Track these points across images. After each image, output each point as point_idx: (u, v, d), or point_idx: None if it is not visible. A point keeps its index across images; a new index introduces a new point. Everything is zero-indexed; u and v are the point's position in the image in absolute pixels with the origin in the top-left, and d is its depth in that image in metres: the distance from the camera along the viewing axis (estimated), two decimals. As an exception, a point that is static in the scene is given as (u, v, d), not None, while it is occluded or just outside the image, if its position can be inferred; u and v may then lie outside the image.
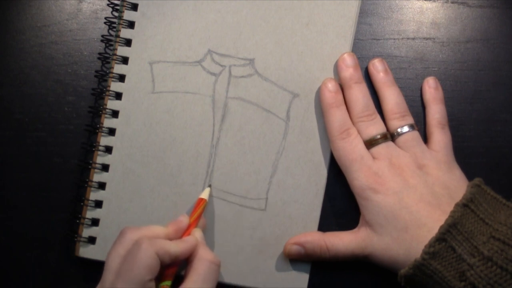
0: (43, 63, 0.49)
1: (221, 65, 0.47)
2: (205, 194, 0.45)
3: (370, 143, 0.44)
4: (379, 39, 0.49)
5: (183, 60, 0.47)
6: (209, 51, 0.47)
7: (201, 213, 0.43)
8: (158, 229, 0.41)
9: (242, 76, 0.47)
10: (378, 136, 0.44)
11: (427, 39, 0.49)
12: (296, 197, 0.46)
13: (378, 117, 0.45)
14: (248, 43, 0.47)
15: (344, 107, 0.45)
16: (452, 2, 0.49)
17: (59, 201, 0.48)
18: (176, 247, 0.39)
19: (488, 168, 0.45)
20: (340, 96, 0.45)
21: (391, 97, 0.45)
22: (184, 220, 0.42)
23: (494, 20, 0.49)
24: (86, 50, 0.49)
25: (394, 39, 0.49)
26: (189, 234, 0.42)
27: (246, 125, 0.47)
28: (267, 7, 0.47)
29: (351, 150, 0.43)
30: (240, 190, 0.46)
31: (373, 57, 0.48)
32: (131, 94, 0.47)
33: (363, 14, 0.49)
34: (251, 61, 0.47)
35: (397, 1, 0.49)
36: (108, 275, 0.38)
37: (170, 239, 0.41)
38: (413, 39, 0.49)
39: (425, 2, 0.49)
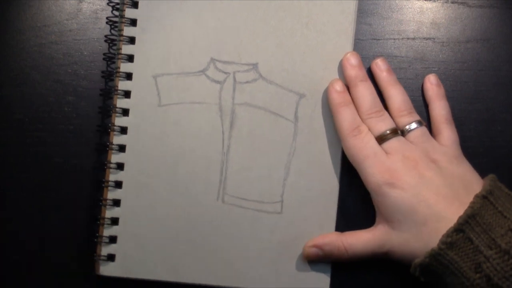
0: (43, 63, 0.49)
1: (225, 72, 0.47)
2: None
3: (381, 139, 0.43)
4: (379, 39, 0.49)
5: (186, 71, 0.47)
6: (212, 60, 0.47)
7: None
8: None
9: (247, 82, 0.47)
10: (388, 132, 0.43)
11: (427, 39, 0.49)
12: (311, 197, 0.46)
13: (386, 113, 0.45)
14: (250, 48, 0.47)
15: (352, 105, 0.45)
16: (452, 2, 0.49)
17: (59, 201, 0.48)
18: None
19: (488, 168, 0.45)
20: (348, 95, 0.45)
21: (397, 96, 0.45)
22: None
23: (494, 20, 0.49)
24: (86, 50, 0.49)
25: (394, 39, 0.49)
26: None
27: (255, 129, 0.46)
28: (266, 10, 0.47)
29: (363, 146, 0.43)
30: (255, 195, 0.46)
31: (374, 57, 0.48)
32: (138, 110, 0.46)
33: (363, 14, 0.49)
34: (255, 66, 0.47)
35: (397, 1, 0.49)
36: None
37: None
38: (413, 39, 0.49)
39: (425, 2, 0.49)
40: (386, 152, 0.43)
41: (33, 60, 0.49)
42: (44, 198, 0.48)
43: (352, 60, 0.45)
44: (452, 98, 0.48)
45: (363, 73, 0.45)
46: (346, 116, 0.44)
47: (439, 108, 0.46)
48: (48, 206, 0.48)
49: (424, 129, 0.44)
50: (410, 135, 0.44)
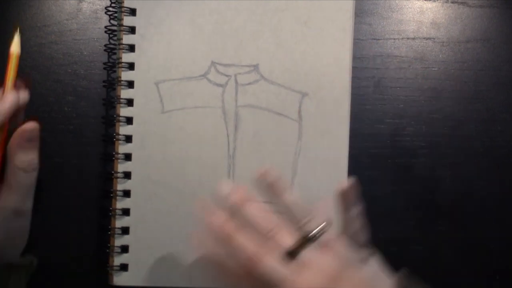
0: (43, 63, 0.49)
1: (226, 75, 0.47)
2: (15, 47, 0.40)
3: (292, 254, 0.37)
4: (379, 39, 0.49)
5: (188, 76, 0.47)
6: (213, 63, 0.47)
7: (16, 69, 0.40)
8: None
9: (249, 83, 0.47)
10: (298, 243, 0.37)
11: (427, 39, 0.49)
12: (320, 195, 0.46)
13: (287, 224, 0.38)
14: (250, 49, 0.47)
15: (241, 231, 0.38)
16: (452, 2, 0.49)
17: (59, 201, 0.48)
18: None
19: (488, 168, 0.45)
20: (232, 223, 0.38)
21: (298, 200, 0.39)
22: None
23: (494, 20, 0.49)
24: (86, 50, 0.49)
25: (394, 39, 0.49)
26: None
27: (260, 131, 0.47)
28: (264, 11, 0.47)
29: (273, 272, 0.36)
30: (264, 196, 0.46)
31: (374, 57, 0.48)
32: (141, 117, 0.46)
33: (363, 14, 0.49)
34: (256, 67, 0.47)
35: (397, 1, 0.49)
36: None
37: None
38: (413, 39, 0.49)
39: (425, 2, 0.49)
40: (302, 266, 0.36)
41: (33, 60, 0.49)
42: (44, 198, 0.48)
43: (226, 189, 0.39)
44: (452, 98, 0.48)
45: (245, 194, 0.39)
46: (241, 246, 0.37)
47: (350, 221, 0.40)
48: (48, 206, 0.48)
49: (333, 229, 0.38)
50: (322, 238, 0.38)
